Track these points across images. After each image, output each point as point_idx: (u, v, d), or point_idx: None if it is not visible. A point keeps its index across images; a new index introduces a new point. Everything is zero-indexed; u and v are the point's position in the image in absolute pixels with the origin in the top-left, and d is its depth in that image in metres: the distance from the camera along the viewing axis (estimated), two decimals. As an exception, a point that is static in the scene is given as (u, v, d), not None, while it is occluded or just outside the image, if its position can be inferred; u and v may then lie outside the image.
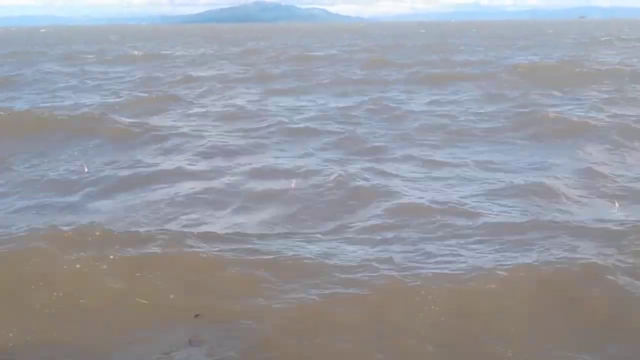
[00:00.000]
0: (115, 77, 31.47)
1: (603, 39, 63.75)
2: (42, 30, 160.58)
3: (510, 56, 40.36)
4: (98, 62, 43.09)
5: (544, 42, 60.82)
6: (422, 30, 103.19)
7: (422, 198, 9.65)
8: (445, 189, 10.43)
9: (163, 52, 54.00)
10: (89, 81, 29.56)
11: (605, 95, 21.02)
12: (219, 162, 12.88)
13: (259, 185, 10.82)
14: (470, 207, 9.09)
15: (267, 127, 16.55)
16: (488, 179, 11.02)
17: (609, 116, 16.60)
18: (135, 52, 52.48)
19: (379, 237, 8.06)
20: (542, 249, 7.37)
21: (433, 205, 9.08)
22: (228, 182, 11.14)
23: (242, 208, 9.78)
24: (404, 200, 9.51)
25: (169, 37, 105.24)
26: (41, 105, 21.28)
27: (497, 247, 7.59)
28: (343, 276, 6.75)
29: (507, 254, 7.29)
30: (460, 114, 17.97)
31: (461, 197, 9.70)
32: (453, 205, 9.17)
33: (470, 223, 8.38)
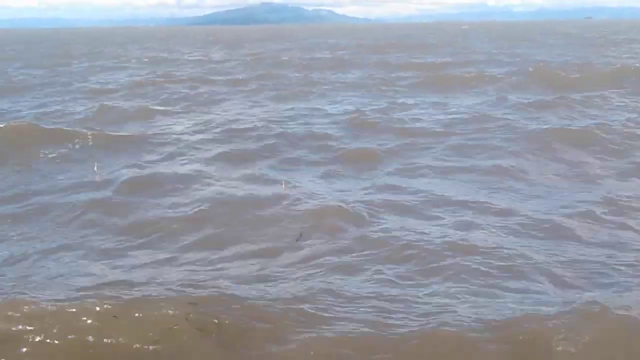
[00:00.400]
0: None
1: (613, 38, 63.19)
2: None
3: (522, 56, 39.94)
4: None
5: (553, 43, 60.36)
6: (431, 34, 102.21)
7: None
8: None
9: (168, 55, 53.93)
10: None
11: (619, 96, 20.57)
12: (210, 170, 12.47)
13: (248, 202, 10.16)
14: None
15: (258, 134, 16.05)
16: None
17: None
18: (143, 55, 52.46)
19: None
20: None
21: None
22: (216, 198, 10.51)
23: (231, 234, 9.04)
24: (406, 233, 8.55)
25: (177, 39, 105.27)
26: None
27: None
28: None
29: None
30: (464, 121, 17.38)
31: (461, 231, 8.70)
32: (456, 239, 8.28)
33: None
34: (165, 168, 12.68)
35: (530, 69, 28.59)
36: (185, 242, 8.51)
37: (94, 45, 79.74)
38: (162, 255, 8.07)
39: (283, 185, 10.71)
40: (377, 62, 39.25)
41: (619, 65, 29.64)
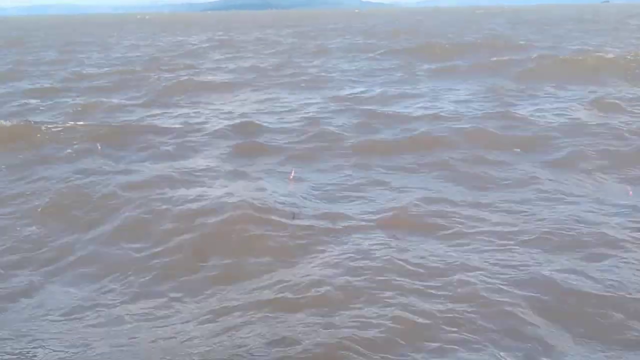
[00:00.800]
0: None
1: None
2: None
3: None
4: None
5: (571, 29, 59.26)
6: (442, 19, 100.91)
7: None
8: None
9: (177, 43, 53.65)
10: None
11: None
12: (214, 168, 11.82)
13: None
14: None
15: (265, 127, 15.45)
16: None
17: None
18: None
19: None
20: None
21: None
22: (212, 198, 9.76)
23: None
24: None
25: (190, 25, 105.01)
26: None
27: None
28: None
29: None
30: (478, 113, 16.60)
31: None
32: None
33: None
34: (162, 166, 12.01)
35: (544, 54, 28.03)
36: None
37: (102, 33, 79.52)
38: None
39: (291, 175, 10.47)
40: (391, 48, 38.43)
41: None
